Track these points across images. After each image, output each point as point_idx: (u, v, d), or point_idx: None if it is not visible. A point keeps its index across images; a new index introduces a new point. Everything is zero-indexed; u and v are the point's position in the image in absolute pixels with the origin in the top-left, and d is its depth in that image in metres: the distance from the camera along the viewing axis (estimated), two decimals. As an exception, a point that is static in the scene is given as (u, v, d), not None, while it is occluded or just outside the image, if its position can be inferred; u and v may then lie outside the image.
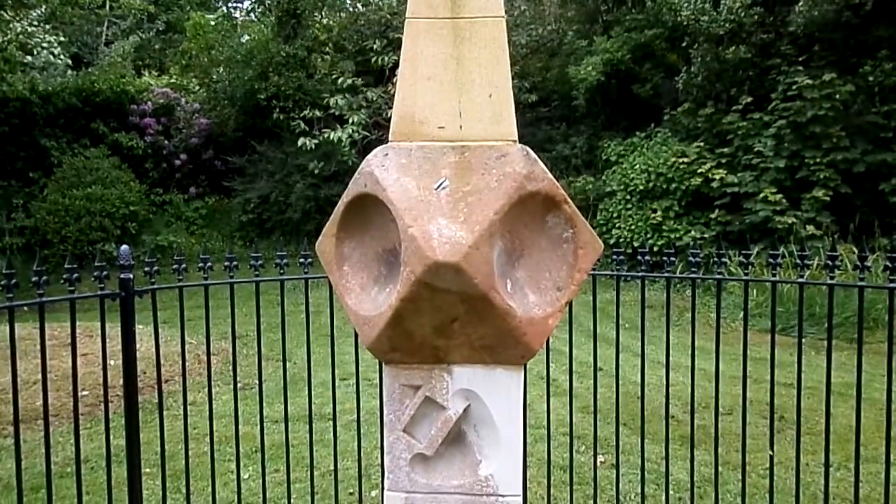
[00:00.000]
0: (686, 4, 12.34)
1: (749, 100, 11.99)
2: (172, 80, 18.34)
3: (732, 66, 12.33)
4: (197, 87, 18.11)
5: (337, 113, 13.71)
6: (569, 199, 2.12)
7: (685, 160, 12.20)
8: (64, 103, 15.74)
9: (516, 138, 2.16)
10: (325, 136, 13.38)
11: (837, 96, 11.06)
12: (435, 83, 2.19)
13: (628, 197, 12.75)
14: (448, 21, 2.20)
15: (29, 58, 14.96)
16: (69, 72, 16.96)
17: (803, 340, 3.59)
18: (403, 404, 2.19)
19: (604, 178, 13.43)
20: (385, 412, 2.23)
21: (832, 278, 3.20)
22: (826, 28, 11.60)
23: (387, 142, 2.20)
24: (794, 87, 11.31)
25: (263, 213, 15.73)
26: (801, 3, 11.23)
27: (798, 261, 3.37)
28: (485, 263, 1.96)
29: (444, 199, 2.01)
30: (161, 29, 23.15)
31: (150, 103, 16.68)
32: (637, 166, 12.76)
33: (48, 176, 14.93)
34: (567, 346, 3.79)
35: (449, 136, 2.16)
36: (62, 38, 15.90)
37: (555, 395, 5.42)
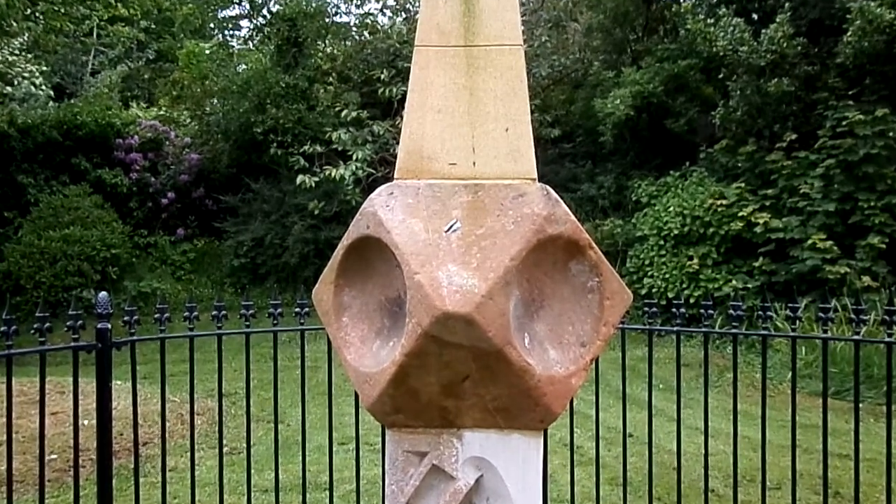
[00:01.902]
0: (723, 34, 12.49)
1: (794, 137, 12.03)
2: (162, 112, 18.67)
3: (775, 100, 12.41)
4: (188, 120, 18.41)
5: (340, 148, 13.88)
6: (594, 245, 2.12)
7: (724, 202, 12.20)
8: (44, 137, 16.03)
9: (536, 177, 2.17)
10: (327, 173, 13.51)
11: (892, 133, 11.08)
12: (446, 116, 2.22)
13: (661, 242, 12.72)
14: (461, 49, 2.24)
15: (9, 88, 15.31)
16: (51, 103, 17.33)
17: (860, 405, 3.53)
18: (407, 473, 2.16)
19: (634, 221, 13.43)
20: (387, 482, 2.20)
21: (891, 335, 3.16)
22: (877, 60, 11.68)
23: (393, 180, 2.22)
24: (843, 122, 11.35)
25: (257, 257, 15.81)
26: (849, 34, 11.35)
27: (852, 315, 3.34)
28: (500, 315, 1.95)
29: (455, 243, 2.01)
30: (151, 58, 23.68)
31: (136, 137, 16.96)
32: (671, 209, 12.77)
33: (24, 215, 15.13)
34: (593, 409, 3.74)
35: (461, 173, 2.17)
36: (44, 68, 16.29)
37: (579, 464, 5.33)
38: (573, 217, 2.10)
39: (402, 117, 12.25)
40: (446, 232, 2.03)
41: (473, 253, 2.00)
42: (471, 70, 2.23)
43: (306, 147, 14.30)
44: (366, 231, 2.13)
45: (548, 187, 2.11)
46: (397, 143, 12.39)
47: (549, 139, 14.91)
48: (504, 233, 2.02)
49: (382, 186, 2.19)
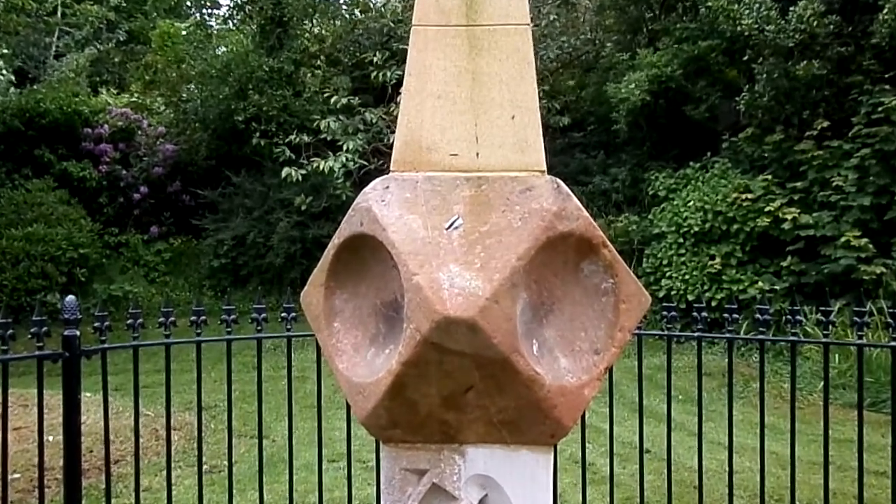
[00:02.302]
0: (747, 12, 12.49)
1: (825, 124, 12.04)
2: (134, 99, 18.66)
3: (804, 85, 12.41)
4: (162, 107, 18.41)
5: (329, 138, 13.88)
6: (608, 243, 2.12)
7: (749, 196, 12.21)
8: (4, 126, 16.03)
9: (545, 168, 2.17)
10: (315, 165, 13.51)
11: (933, 121, 11.09)
12: (446, 102, 2.22)
13: (681, 240, 12.74)
14: (462, 29, 2.24)
15: (-35, 74, 15.33)
16: (12, 89, 17.31)
17: (899, 418, 3.53)
18: (405, 493, 2.16)
19: (651, 217, 13.45)
20: (382, 502, 2.20)
21: (932, 341, 3.16)
22: (917, 40, 11.69)
23: (388, 172, 2.22)
24: (879, 109, 11.35)
25: (239, 257, 15.82)
26: (885, 12, 11.34)
27: (889, 320, 3.34)
28: (506, 320, 1.96)
29: (457, 242, 2.02)
30: (122, 39, 23.64)
31: (106, 126, 16.96)
32: (691, 203, 12.78)
33: (-18, 213, 15.12)
34: (606, 423, 3.74)
35: (463, 165, 2.17)
36: (5, 50, 16.27)
37: (592, 482, 5.33)
38: (585, 212, 2.11)
39: (396, 104, 12.26)
40: (447, 229, 2.04)
41: (477, 252, 2.00)
42: (473, 52, 2.23)
43: (292, 137, 14.29)
44: (359, 228, 2.14)
45: (558, 180, 2.12)
46: (392, 132, 12.45)
47: (558, 128, 14.92)
48: (510, 230, 2.02)
49: (377, 180, 2.19)
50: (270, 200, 15.66)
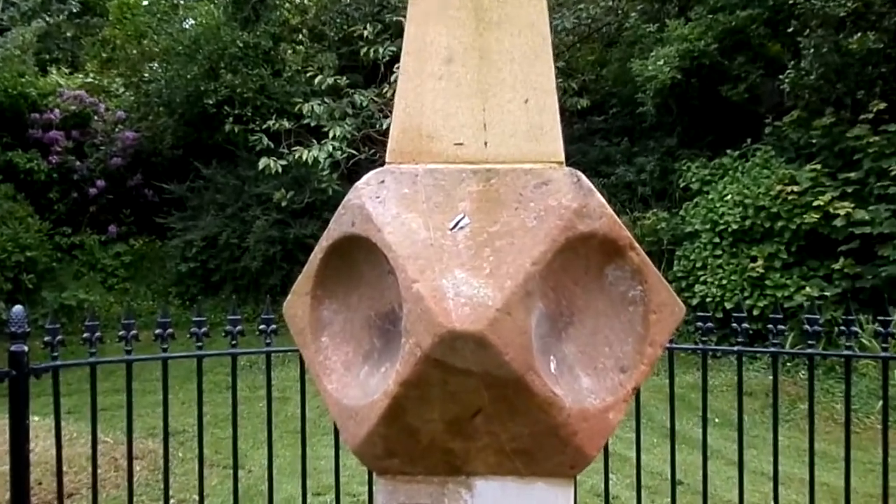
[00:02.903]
0: (792, -24, 12.51)
1: (882, 106, 12.02)
2: (89, 80, 18.66)
3: (858, 61, 12.40)
4: (122, 89, 18.41)
5: (313, 124, 13.86)
6: (636, 244, 2.12)
7: (795, 189, 12.19)
8: (-60, 111, 16.05)
9: (563, 159, 2.17)
10: (297, 155, 13.49)
11: None
12: (450, 84, 2.22)
13: (717, 240, 12.73)
14: (468, 0, 2.24)
15: None
16: (-52, 69, 17.32)
17: (969, 444, 3.53)
18: (403, 532, 2.17)
19: (682, 213, 13.45)
20: (377, 543, 2.20)
21: None
22: None
23: (382, 164, 2.23)
24: (945, 88, 11.35)
25: (210, 260, 15.84)
26: (951, -25, 11.35)
27: (959, 331, 3.34)
28: (519, 333, 1.96)
29: (463, 244, 2.02)
30: (75, 11, 23.65)
31: (57, 111, 16.96)
32: (728, 197, 12.77)
33: (-85, 210, 15.13)
34: (632, 450, 3.74)
35: (470, 156, 2.18)
36: (-61, 24, 16.29)
37: (616, 519, 5.33)
38: (610, 210, 2.11)
39: (390, 84, 12.27)
40: (451, 230, 2.04)
41: (486, 256, 2.00)
42: (481, 26, 2.23)
43: (270, 122, 14.27)
44: (350, 229, 2.14)
45: (578, 173, 2.12)
46: (384, 116, 12.48)
47: (575, 111, 14.91)
48: (524, 230, 2.02)
49: (371, 173, 2.19)
50: (246, 195, 15.66)
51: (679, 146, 14.90)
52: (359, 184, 2.21)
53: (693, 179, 13.69)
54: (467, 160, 2.17)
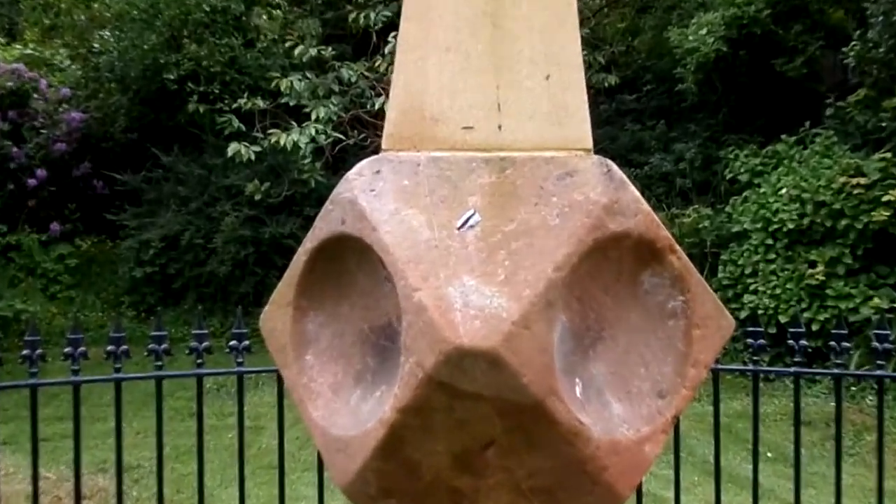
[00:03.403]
0: (858, -70, 12.51)
1: (965, 84, 12.02)
2: (28, 51, 18.64)
3: (937, 30, 12.40)
4: (67, 62, 18.40)
5: (292, 103, 13.85)
6: (676, 247, 2.13)
7: (862, 181, 12.17)
8: None
9: (591, 146, 2.18)
10: (273, 140, 13.50)
11: None
12: (458, 57, 2.23)
13: (770, 241, 12.72)
14: (479, -42, 2.25)
15: None
16: None
17: None
18: (401, 586, 2.17)
19: (729, 209, 13.44)
20: None
21: None
22: None
23: (375, 151, 2.23)
24: None
25: (170, 264, 15.82)
26: None
27: None
28: (539, 351, 1.96)
29: (473, 246, 2.02)
30: (12, -30, 23.71)
31: (-10, 87, 16.96)
32: (783, 191, 12.76)
33: None
34: (671, 489, 3.74)
35: (481, 142, 2.18)
36: None
37: (650, 571, 5.33)
38: (646, 205, 2.11)
39: (384, 57, 12.30)
40: (459, 229, 2.04)
41: (500, 259, 2.00)
42: (494, -12, 2.24)
43: (242, 101, 14.26)
44: (340, 228, 2.14)
45: (609, 162, 2.12)
46: (376, 94, 12.48)
47: (603, 89, 14.90)
48: (545, 230, 2.02)
49: (364, 162, 2.20)
50: (213, 188, 15.65)
51: (725, 130, 14.89)
52: (350, 174, 2.21)
53: (741, 170, 13.68)
54: (478, 147, 2.17)
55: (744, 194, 13.40)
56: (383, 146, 2.23)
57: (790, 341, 3.76)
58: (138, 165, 16.57)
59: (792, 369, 3.71)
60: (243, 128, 14.08)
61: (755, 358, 3.72)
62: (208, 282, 15.52)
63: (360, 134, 13.43)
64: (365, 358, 2.20)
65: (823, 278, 12.11)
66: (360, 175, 2.18)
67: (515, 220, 2.05)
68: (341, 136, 13.61)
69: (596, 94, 14.57)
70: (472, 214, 2.06)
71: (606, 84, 14.90)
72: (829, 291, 12.05)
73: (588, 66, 14.36)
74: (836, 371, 3.66)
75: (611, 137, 14.76)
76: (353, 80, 13.91)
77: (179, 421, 8.51)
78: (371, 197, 2.12)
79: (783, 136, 13.69)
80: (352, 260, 2.16)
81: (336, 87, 13.90)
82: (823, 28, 14.38)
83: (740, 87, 15.07)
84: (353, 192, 2.15)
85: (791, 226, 12.51)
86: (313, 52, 14.11)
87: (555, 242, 2.02)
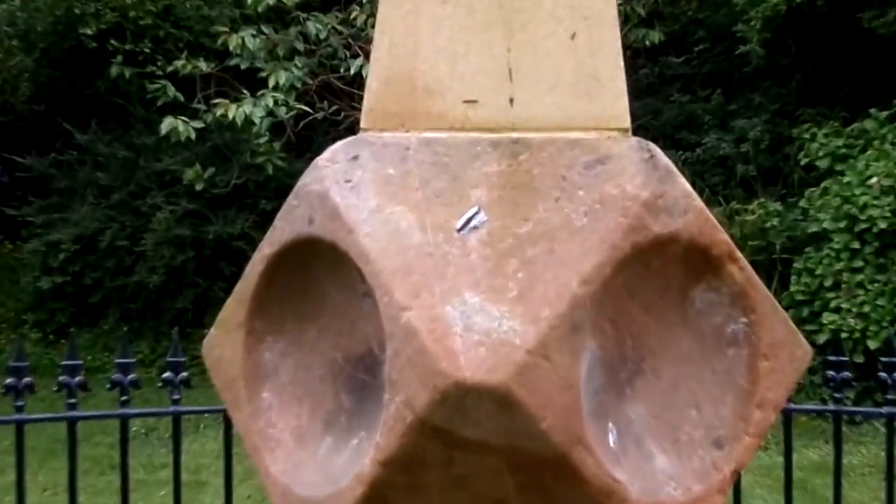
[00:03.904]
0: None
1: None
2: None
3: None
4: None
5: (244, 66, 13.86)
6: (738, 254, 2.13)
7: (973, 169, 12.21)
8: None
9: (628, 124, 2.18)
10: (219, 113, 13.50)
11: None
12: (458, 10, 2.23)
13: (856, 245, 12.71)
14: None
15: None
16: None
17: None
18: None
19: (804, 204, 13.43)
20: None
21: None
22: None
23: (353, 129, 2.23)
24: None
25: (86, 272, 15.80)
26: None
27: None
28: (561, 388, 1.96)
29: (477, 253, 2.03)
30: None
31: None
32: (873, 181, 12.75)
33: None
34: (731, 565, 3.75)
35: (488, 119, 2.19)
36: None
37: None
38: (699, 201, 2.11)
39: (362, 6, 12.30)
40: (460, 231, 2.04)
41: (511, 271, 2.01)
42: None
43: (179, 63, 14.27)
44: (307, 229, 2.14)
45: (651, 145, 2.12)
46: (354, 56, 12.48)
47: (643, 49, 14.89)
48: (569, 232, 2.03)
49: (339, 144, 2.20)
50: (141, 174, 15.63)
51: (799, 103, 14.88)
52: (320, 160, 2.21)
53: (820, 153, 13.66)
54: (484, 126, 2.18)
55: (822, 185, 13.37)
56: (362, 124, 2.23)
57: (882, 374, 3.76)
58: (46, 145, 16.55)
59: (884, 409, 3.72)
60: (181, 97, 14.07)
61: (837, 395, 3.72)
62: (135, 295, 15.49)
63: (331, 106, 13.42)
64: (338, 396, 2.20)
65: (925, 292, 12.13)
66: (334, 161, 2.18)
67: (531, 220, 2.05)
68: (307, 109, 13.57)
69: (634, 56, 14.54)
70: (476, 213, 2.06)
71: (648, 43, 14.85)
72: (932, 309, 12.07)
73: (624, 20, 14.37)
74: (941, 412, 3.67)
75: (653, 112, 14.74)
76: (323, 36, 13.89)
77: (98, 474, 8.51)
78: (347, 190, 2.12)
79: (872, 111, 13.67)
80: (321, 270, 2.16)
81: (300, 46, 13.88)
82: (922, -26, 14.40)
83: (818, 48, 15.05)
84: (323, 182, 2.15)
85: (883, 225, 12.50)
86: (271, 0, 14.12)
87: (582, 249, 2.01)
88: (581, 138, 2.13)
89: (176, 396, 3.68)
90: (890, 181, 12.56)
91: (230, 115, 13.07)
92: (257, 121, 13.12)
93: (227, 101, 13.36)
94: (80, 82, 16.47)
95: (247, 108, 13.16)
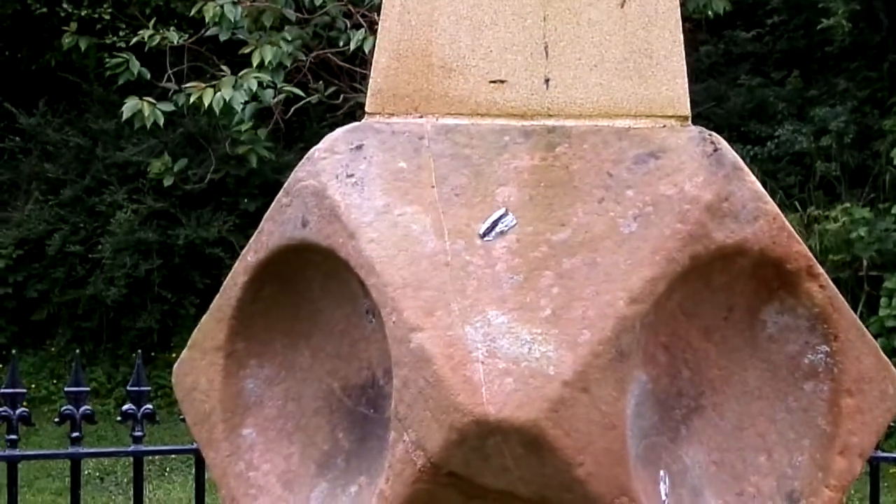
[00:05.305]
0: None
1: None
2: None
3: None
4: None
5: (223, 38, 13.88)
6: (818, 269, 2.12)
7: None
8: None
9: (687, 111, 2.18)
10: (194, 96, 13.53)
11: None
12: (483, -27, 2.24)
13: (961, 262, 12.72)
14: None
15: None
16: None
17: None
18: None
19: (896, 211, 13.43)
20: None
21: None
22: None
23: (354, 114, 2.24)
24: None
25: (30, 283, 15.84)
26: None
27: None
28: (604, 428, 1.96)
29: (505, 263, 2.03)
30: None
31: None
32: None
33: None
34: None
35: (518, 103, 2.19)
36: None
37: None
38: (772, 205, 2.11)
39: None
40: (483, 237, 2.05)
41: (545, 286, 2.01)
42: None
43: (145, 34, 14.31)
44: (300, 233, 2.15)
45: (715, 136, 2.12)
46: (355, 27, 12.48)
47: (704, 21, 14.89)
48: (615, 241, 2.03)
49: (339, 132, 2.20)
50: (98, 166, 15.67)
51: (892, 89, 14.87)
52: (316, 151, 2.21)
53: (916, 150, 13.68)
54: (514, 111, 2.18)
55: (920, 189, 13.39)
56: (367, 108, 2.23)
57: None
58: (-17, 132, 16.61)
59: None
60: (147, 74, 14.06)
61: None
62: (89, 312, 15.51)
63: (328, 87, 13.43)
64: (334, 433, 2.21)
65: None
66: (332, 152, 2.19)
67: (569, 226, 2.05)
68: (298, 92, 13.57)
69: (694, 30, 14.52)
70: (503, 215, 2.07)
71: (711, 13, 14.80)
72: None
73: (681, -10, 14.38)
74: None
75: (716, 97, 14.74)
76: (319, 2, 13.91)
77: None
78: (348, 186, 2.12)
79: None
80: (316, 282, 2.17)
81: (291, 14, 13.89)
82: None
83: (917, 25, 15.06)
84: (320, 177, 2.15)
85: None
86: (257, -42, 14.14)
87: (630, 260, 2.01)
88: (630, 127, 2.13)
89: (137, 433, 3.68)
90: None
91: (206, 100, 12.98)
92: (238, 106, 13.06)
93: (200, 84, 13.28)
94: (26, 55, 16.51)
95: (225, 92, 13.03)
